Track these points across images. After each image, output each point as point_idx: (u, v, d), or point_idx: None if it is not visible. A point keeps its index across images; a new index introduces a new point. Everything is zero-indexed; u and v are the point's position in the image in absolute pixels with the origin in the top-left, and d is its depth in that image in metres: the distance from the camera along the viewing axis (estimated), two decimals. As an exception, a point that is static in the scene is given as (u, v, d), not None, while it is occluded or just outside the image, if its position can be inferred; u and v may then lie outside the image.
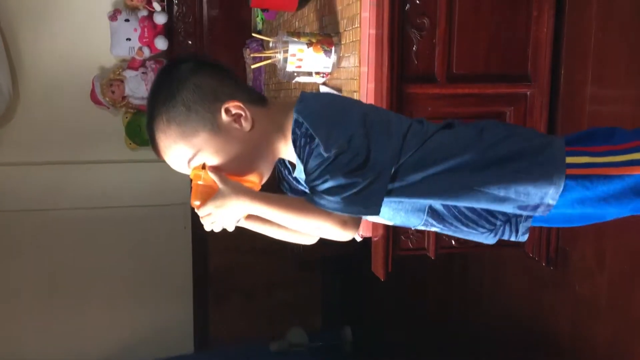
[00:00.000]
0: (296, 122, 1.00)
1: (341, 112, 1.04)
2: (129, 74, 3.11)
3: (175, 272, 3.54)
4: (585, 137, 1.09)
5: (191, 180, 1.05)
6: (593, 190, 1.02)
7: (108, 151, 3.37)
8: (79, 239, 3.43)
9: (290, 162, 1.13)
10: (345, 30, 1.78)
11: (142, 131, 3.23)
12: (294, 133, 1.01)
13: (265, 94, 2.94)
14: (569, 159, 1.03)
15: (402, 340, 3.26)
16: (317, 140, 0.98)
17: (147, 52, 3.10)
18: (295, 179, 1.14)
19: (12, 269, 3.38)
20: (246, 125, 1.04)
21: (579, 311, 1.92)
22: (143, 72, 3.10)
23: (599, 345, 1.84)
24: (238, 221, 1.06)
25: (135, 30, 3.07)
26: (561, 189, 1.01)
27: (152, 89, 1.05)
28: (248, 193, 1.01)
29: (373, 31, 1.64)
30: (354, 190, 0.96)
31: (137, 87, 3.09)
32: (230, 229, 1.06)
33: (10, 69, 3.16)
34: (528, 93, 1.85)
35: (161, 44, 3.09)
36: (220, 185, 1.01)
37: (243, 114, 1.04)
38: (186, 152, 1.03)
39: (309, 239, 1.13)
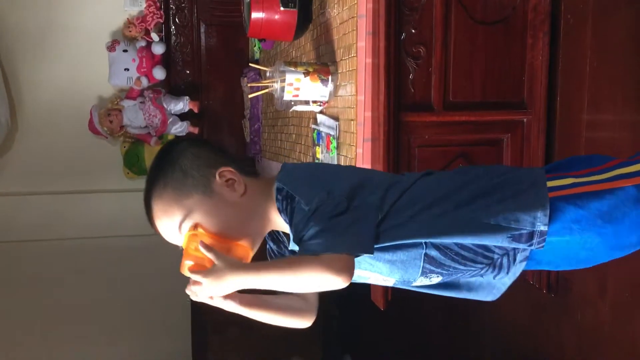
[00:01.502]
0: (277, 189, 1.04)
1: (319, 172, 1.10)
2: (127, 103, 3.13)
3: (173, 301, 3.50)
4: (565, 164, 1.12)
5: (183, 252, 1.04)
6: (586, 208, 1.02)
7: (106, 181, 3.37)
8: (76, 269, 3.41)
9: (285, 234, 1.14)
10: (341, 60, 1.79)
11: (139, 160, 3.24)
12: (277, 201, 1.04)
13: (263, 123, 2.95)
14: (554, 182, 1.05)
15: (403, 369, 3.21)
16: (297, 198, 1.01)
17: (145, 82, 3.12)
18: (292, 252, 1.13)
19: (7, 300, 3.35)
20: (239, 189, 1.07)
21: (582, 340, 1.89)
22: (141, 102, 3.11)
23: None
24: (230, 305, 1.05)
25: (134, 60, 3.09)
26: (548, 210, 1.01)
27: (152, 164, 1.10)
28: (241, 266, 1.01)
29: (369, 60, 1.65)
30: (341, 227, 0.96)
31: (135, 116, 3.10)
32: (227, 305, 1.05)
33: (8, 100, 3.18)
34: (525, 120, 1.86)
35: (159, 73, 3.12)
36: (215, 260, 1.01)
37: (236, 179, 1.08)
38: (178, 214, 1.05)
39: (304, 322, 1.14)
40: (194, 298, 1.03)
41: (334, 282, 0.94)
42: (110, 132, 3.15)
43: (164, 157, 1.09)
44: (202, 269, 1.01)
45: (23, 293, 3.37)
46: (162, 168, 1.07)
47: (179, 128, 3.17)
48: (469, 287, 1.15)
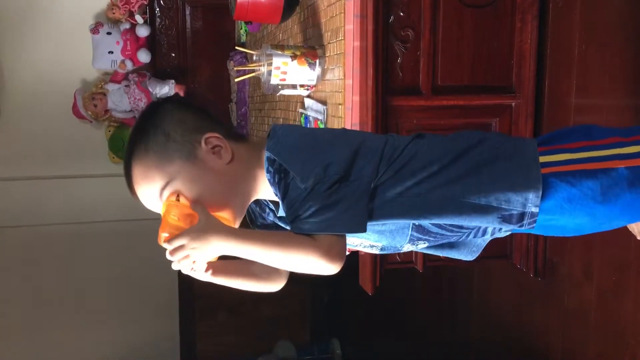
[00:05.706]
0: (268, 159, 0.99)
1: (313, 143, 1.02)
2: (111, 87, 3.08)
3: (161, 286, 3.50)
4: (562, 135, 1.09)
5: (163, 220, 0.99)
6: (579, 186, 1.01)
7: (91, 165, 3.33)
8: (63, 254, 3.39)
9: (274, 203, 1.10)
10: (329, 43, 1.77)
11: (124, 145, 3.20)
12: (267, 171, 0.99)
13: (250, 107, 2.92)
14: (549, 157, 1.03)
15: (390, 352, 3.23)
16: (291, 174, 0.96)
17: (129, 65, 3.08)
18: (281, 218, 1.10)
19: (-6, 287, 3.32)
20: (226, 157, 1.02)
21: (569, 323, 1.91)
22: (126, 85, 3.07)
23: (589, 359, 1.83)
24: (207, 270, 1.01)
25: (118, 43, 3.04)
26: (540, 192, 1.00)
27: (135, 124, 1.04)
28: (227, 229, 0.96)
29: (357, 43, 1.63)
30: (338, 207, 0.94)
31: (120, 100, 3.06)
32: (200, 275, 1.01)
33: (-10, 84, 3.12)
34: (513, 104, 1.85)
35: (144, 56, 3.07)
36: (201, 215, 0.96)
37: (222, 146, 1.02)
38: (159, 180, 0.99)
39: (275, 287, 1.11)
40: (176, 267, 0.98)
41: (326, 268, 0.93)
42: (94, 116, 3.11)
43: (147, 119, 1.02)
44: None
45: (7, 279, 3.34)
46: (144, 131, 1.01)
47: (165, 90, 3.07)
48: (451, 245, 1.15)
